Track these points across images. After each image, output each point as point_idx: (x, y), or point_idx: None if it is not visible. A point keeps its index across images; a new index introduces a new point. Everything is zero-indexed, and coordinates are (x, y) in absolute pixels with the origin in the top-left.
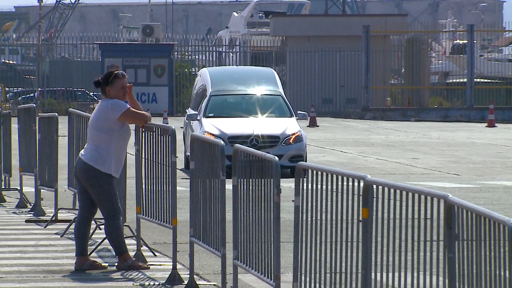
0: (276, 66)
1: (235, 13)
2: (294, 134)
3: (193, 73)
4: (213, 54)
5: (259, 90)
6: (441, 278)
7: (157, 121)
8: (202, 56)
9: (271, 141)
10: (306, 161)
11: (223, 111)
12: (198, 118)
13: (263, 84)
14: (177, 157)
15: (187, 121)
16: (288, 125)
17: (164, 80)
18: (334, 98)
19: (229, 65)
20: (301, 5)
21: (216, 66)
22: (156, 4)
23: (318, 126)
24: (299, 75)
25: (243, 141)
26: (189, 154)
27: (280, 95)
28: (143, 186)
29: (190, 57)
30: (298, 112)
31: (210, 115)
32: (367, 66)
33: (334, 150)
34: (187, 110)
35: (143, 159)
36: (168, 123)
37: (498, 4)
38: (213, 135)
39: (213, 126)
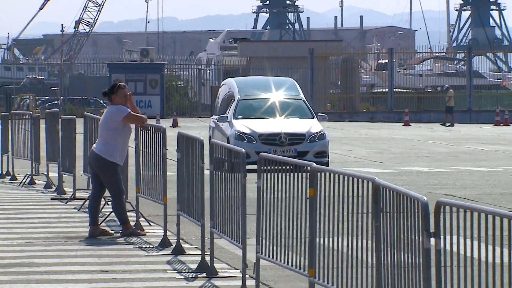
0: None
1: (211, 40)
2: (318, 132)
3: (179, 85)
4: (194, 71)
5: (282, 95)
6: (369, 242)
7: (151, 122)
8: (185, 72)
9: (298, 138)
10: (328, 157)
11: (251, 113)
12: (228, 120)
13: (285, 90)
14: (167, 149)
15: (215, 123)
16: (312, 125)
17: (157, 91)
18: None
19: (207, 79)
20: (262, 33)
21: (196, 80)
22: (151, 33)
23: None
24: None
25: (272, 139)
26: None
27: (301, 99)
28: (141, 172)
29: (176, 73)
30: (319, 114)
31: (239, 116)
32: (312, 79)
33: None
34: (211, 117)
35: (141, 151)
36: (160, 124)
37: (412, 32)
38: (245, 133)
39: (244, 126)
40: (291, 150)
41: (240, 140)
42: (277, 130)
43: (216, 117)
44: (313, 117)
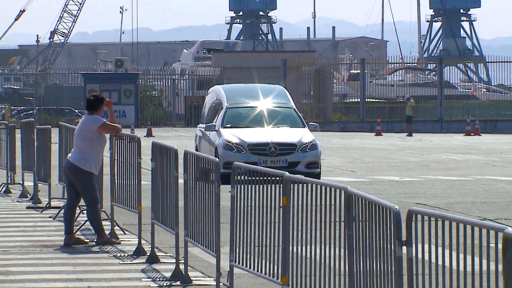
0: None
1: (185, 50)
2: (309, 142)
3: (153, 95)
4: (169, 81)
5: (272, 103)
6: (342, 250)
7: (126, 131)
8: (160, 83)
9: (289, 148)
10: (320, 168)
11: (240, 122)
12: (215, 129)
13: (275, 98)
14: (141, 159)
15: (202, 132)
16: (303, 134)
17: (131, 100)
18: None
19: (181, 89)
20: (235, 44)
21: (170, 91)
22: (125, 43)
23: None
24: None
25: (262, 149)
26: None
27: (292, 108)
28: (116, 181)
29: (151, 83)
30: (310, 123)
31: (227, 125)
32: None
33: None
34: (198, 125)
35: (116, 160)
36: (134, 133)
37: (383, 43)
38: (233, 143)
39: (232, 135)
40: (282, 160)
41: (229, 150)
42: (267, 139)
43: (203, 125)
44: (304, 126)
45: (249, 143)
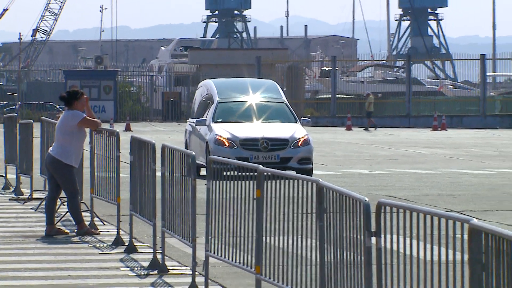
0: (192, 86)
1: (163, 48)
2: (302, 137)
3: (132, 91)
4: (147, 77)
5: (263, 98)
6: (314, 241)
7: (105, 126)
8: (138, 79)
9: (281, 144)
10: (312, 164)
11: (231, 116)
12: (206, 124)
13: (267, 92)
14: (120, 152)
15: (192, 127)
16: (296, 130)
17: (110, 96)
18: None
19: (159, 85)
20: (211, 42)
21: (148, 87)
22: (105, 41)
23: None
24: None
25: (254, 144)
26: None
27: (284, 103)
28: (95, 174)
29: (129, 79)
30: (302, 118)
31: (218, 120)
32: None
33: None
34: (188, 120)
35: (95, 154)
36: (113, 128)
37: (354, 41)
38: (225, 138)
39: (224, 130)
40: (274, 156)
41: (220, 145)
42: (258, 135)
43: (194, 120)
44: (296, 121)
45: (240, 139)
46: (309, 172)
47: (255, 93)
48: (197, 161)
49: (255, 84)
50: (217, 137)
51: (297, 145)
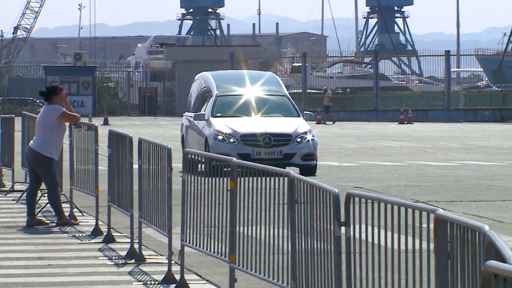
0: (168, 81)
1: (139, 44)
2: (305, 132)
3: (110, 86)
4: (124, 73)
5: (264, 91)
6: (285, 231)
7: (84, 120)
8: (116, 75)
9: (284, 139)
10: (317, 160)
11: (231, 111)
12: (205, 118)
13: (267, 85)
14: (98, 145)
15: (189, 121)
16: (299, 124)
17: (89, 91)
18: None
19: (136, 81)
20: (185, 39)
21: (126, 82)
22: (84, 38)
23: None
24: (184, 88)
25: (256, 139)
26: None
27: (285, 96)
28: (75, 166)
29: (107, 75)
30: (305, 112)
31: (218, 114)
32: None
33: None
34: (184, 114)
35: (75, 147)
36: (92, 122)
37: (323, 38)
38: (225, 133)
39: (224, 125)
40: (276, 152)
41: (220, 141)
42: (261, 130)
43: (191, 114)
44: (298, 116)
45: (242, 134)
46: (313, 168)
47: (255, 85)
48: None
49: (255, 76)
50: (217, 132)
51: (301, 141)
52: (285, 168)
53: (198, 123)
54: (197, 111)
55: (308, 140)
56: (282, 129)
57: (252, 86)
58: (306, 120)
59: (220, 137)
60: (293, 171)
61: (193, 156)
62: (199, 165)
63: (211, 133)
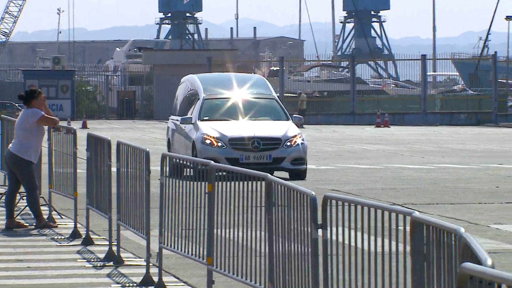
0: (146, 85)
1: (118, 48)
2: (295, 136)
3: (88, 90)
4: (102, 77)
5: (252, 94)
6: (263, 233)
7: (63, 124)
8: (94, 79)
9: (273, 143)
10: (306, 164)
11: (219, 114)
12: (192, 122)
13: (255, 88)
14: (77, 149)
15: (176, 125)
16: (288, 128)
17: (68, 95)
18: None
19: (114, 85)
20: (164, 43)
21: (104, 86)
22: (62, 42)
23: None
24: (162, 91)
25: (245, 143)
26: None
27: (274, 99)
28: (54, 169)
29: (86, 79)
30: (294, 115)
31: (205, 118)
32: None
33: None
34: (170, 117)
35: (53, 150)
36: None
37: (301, 42)
38: (213, 137)
39: (211, 129)
40: (266, 156)
41: (208, 145)
42: (249, 133)
43: (178, 118)
44: (288, 119)
45: (230, 138)
46: (302, 173)
47: (243, 88)
48: (182, 162)
49: (243, 79)
50: (205, 136)
51: (290, 145)
52: (273, 173)
53: (185, 126)
54: (183, 114)
55: (298, 144)
56: (271, 133)
57: (240, 89)
58: (296, 124)
59: (207, 141)
60: (283, 176)
61: (178, 160)
62: (185, 170)
63: (198, 137)
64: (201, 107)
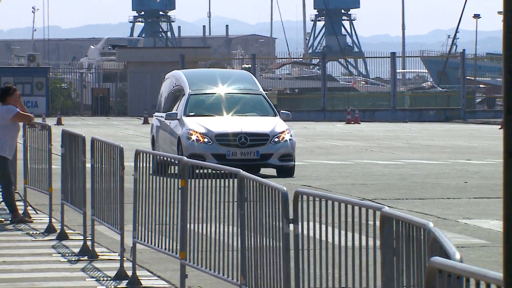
0: (120, 82)
1: (92, 46)
2: (283, 132)
3: (63, 87)
4: (77, 74)
5: (239, 89)
6: (235, 228)
7: (38, 120)
8: (69, 76)
9: (260, 139)
10: (295, 161)
11: (205, 109)
12: (177, 117)
13: (242, 83)
14: (52, 145)
15: (160, 121)
16: (276, 123)
17: (43, 92)
18: None
19: (88, 82)
20: (137, 41)
21: (78, 83)
22: (37, 40)
23: (149, 123)
24: (136, 88)
25: (231, 139)
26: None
27: (261, 94)
28: (29, 165)
29: (60, 76)
30: (281, 111)
31: (190, 114)
32: None
33: None
34: (154, 114)
35: (29, 147)
36: (45, 122)
37: (272, 40)
38: (199, 133)
39: (197, 124)
40: (253, 152)
41: (193, 141)
42: (236, 129)
43: (163, 114)
44: (275, 115)
45: (216, 133)
46: (291, 169)
47: (230, 84)
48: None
49: (229, 74)
50: (190, 131)
51: (278, 141)
52: (259, 170)
53: (170, 123)
54: (168, 111)
55: (286, 140)
56: (259, 129)
57: (226, 84)
58: (283, 120)
59: (193, 137)
60: (269, 172)
61: (159, 158)
62: (170, 167)
63: (184, 133)
64: (187, 102)
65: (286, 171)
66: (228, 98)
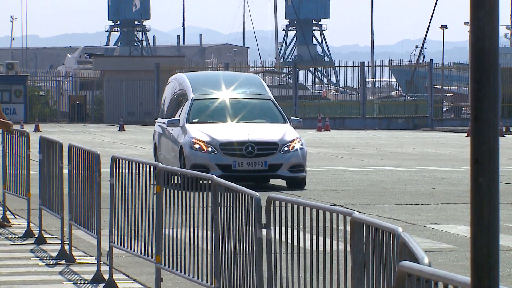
0: (96, 90)
1: (69, 55)
2: (293, 140)
3: (41, 95)
4: (54, 82)
5: (245, 94)
6: (209, 232)
7: (16, 127)
8: (46, 84)
9: (269, 148)
10: (306, 172)
11: (209, 116)
12: (180, 124)
13: (249, 87)
14: (30, 151)
15: (162, 128)
16: (286, 131)
17: (21, 100)
18: (136, 112)
19: (65, 90)
20: (113, 50)
21: (56, 91)
22: (15, 49)
23: (125, 131)
24: (112, 96)
25: (237, 148)
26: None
27: (270, 100)
28: (7, 171)
29: (38, 84)
30: (292, 118)
31: (194, 120)
32: (158, 90)
33: (136, 146)
34: (157, 120)
35: (7, 153)
36: (24, 129)
37: (245, 50)
38: (202, 141)
39: (201, 132)
40: (261, 162)
41: (197, 150)
42: (243, 137)
43: (164, 120)
44: (285, 122)
45: (221, 142)
46: (302, 181)
47: (236, 88)
48: (168, 166)
49: (235, 78)
50: (193, 140)
51: (288, 150)
52: (269, 181)
53: (172, 130)
54: (171, 117)
55: (297, 149)
56: (267, 137)
57: (232, 89)
58: (294, 127)
59: (196, 146)
60: (280, 184)
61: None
62: (173, 177)
63: (186, 141)
64: (190, 108)
65: (296, 183)
66: (234, 103)
